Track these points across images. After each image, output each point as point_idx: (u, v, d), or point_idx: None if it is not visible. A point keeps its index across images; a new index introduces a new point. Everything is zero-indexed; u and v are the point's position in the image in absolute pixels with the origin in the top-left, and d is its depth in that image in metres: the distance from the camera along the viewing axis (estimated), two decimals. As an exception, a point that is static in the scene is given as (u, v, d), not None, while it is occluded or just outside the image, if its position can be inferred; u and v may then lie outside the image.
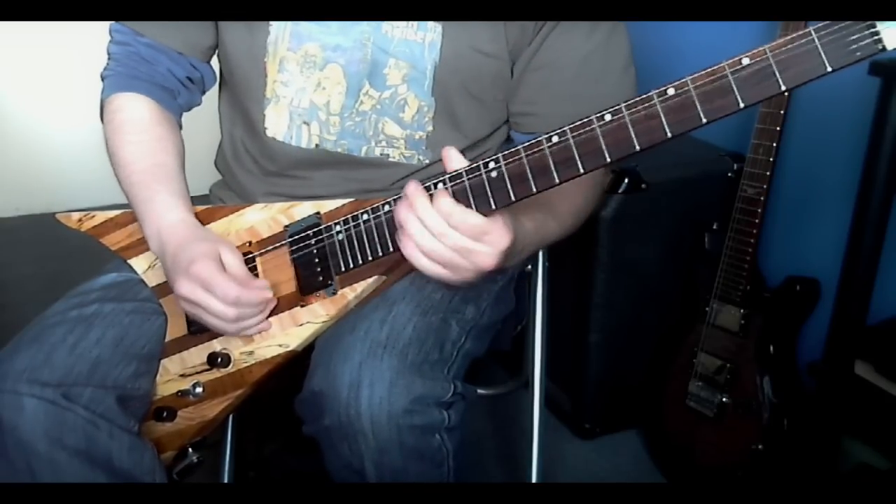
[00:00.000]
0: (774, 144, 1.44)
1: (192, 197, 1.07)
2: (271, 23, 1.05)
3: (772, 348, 1.55)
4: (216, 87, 1.19)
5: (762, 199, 1.47)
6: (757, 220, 1.48)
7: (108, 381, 0.96)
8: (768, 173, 1.46)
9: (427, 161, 1.09)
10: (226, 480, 1.26)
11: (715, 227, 1.62)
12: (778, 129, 1.43)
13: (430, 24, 1.02)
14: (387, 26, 1.03)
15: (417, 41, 1.03)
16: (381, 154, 1.08)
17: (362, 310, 0.97)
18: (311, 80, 1.06)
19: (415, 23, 1.02)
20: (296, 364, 1.00)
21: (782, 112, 1.42)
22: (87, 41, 1.12)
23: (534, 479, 1.33)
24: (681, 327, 1.66)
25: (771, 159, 1.45)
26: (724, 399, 1.57)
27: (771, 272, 1.62)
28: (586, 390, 1.81)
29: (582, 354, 1.77)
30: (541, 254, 1.33)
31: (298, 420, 1.00)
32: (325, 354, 0.95)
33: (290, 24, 1.04)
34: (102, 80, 1.12)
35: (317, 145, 1.08)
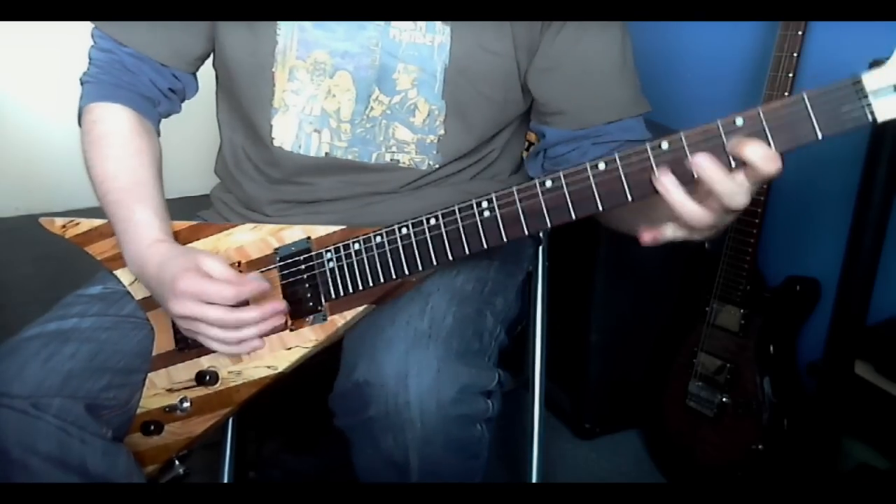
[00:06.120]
0: (774, 144, 1.44)
1: (192, 197, 1.06)
2: (278, 32, 1.04)
3: (772, 348, 1.55)
4: (213, 90, 1.19)
5: (762, 199, 1.47)
6: (757, 220, 1.48)
7: (78, 393, 0.97)
8: (768, 173, 1.46)
9: (436, 165, 1.09)
10: (226, 480, 1.26)
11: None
12: (778, 129, 1.43)
13: (439, 26, 1.02)
14: (394, 31, 1.02)
15: (426, 44, 1.03)
16: (391, 160, 1.08)
17: (397, 301, 0.97)
18: (321, 88, 1.05)
19: (423, 26, 1.02)
20: (298, 364, 1.00)
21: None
22: (88, 41, 1.11)
23: (534, 479, 1.33)
24: (681, 327, 1.65)
25: (771, 159, 1.45)
26: (724, 399, 1.57)
27: (771, 272, 1.62)
28: (586, 390, 1.81)
29: (582, 354, 1.77)
30: (541, 254, 1.33)
31: (298, 420, 1.00)
32: (366, 346, 0.94)
33: (297, 32, 1.04)
34: (81, 84, 1.10)
35: (326, 153, 1.08)
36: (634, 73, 1.06)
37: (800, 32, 1.37)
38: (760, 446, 1.53)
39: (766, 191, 1.46)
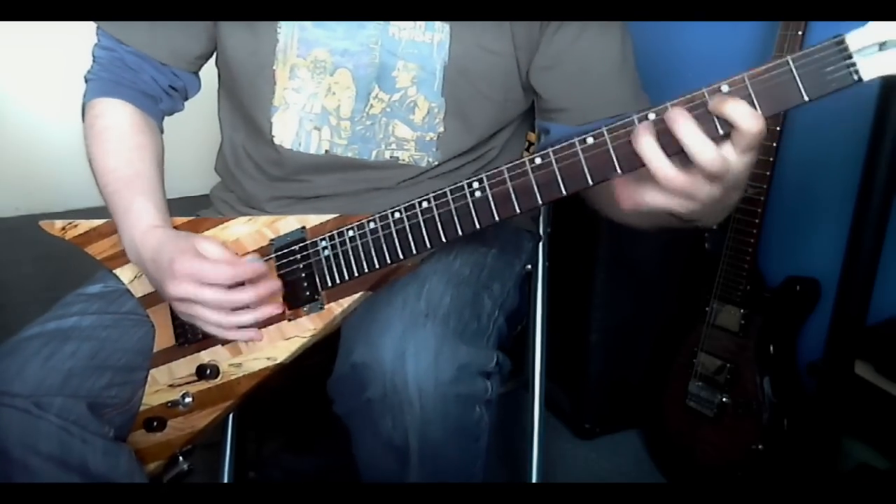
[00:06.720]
0: (774, 144, 1.44)
1: (192, 197, 1.07)
2: (279, 31, 1.04)
3: (772, 348, 1.55)
4: (216, 89, 1.19)
5: (762, 199, 1.47)
6: (757, 220, 1.48)
7: (80, 392, 0.97)
8: (768, 173, 1.46)
9: (436, 162, 1.09)
10: (226, 480, 1.26)
11: (715, 227, 1.62)
12: (777, 128, 1.43)
13: (438, 24, 1.02)
14: (394, 29, 1.03)
15: (426, 42, 1.03)
16: (391, 157, 1.08)
17: (394, 286, 0.97)
18: (322, 86, 1.06)
19: (422, 24, 1.02)
20: (298, 361, 1.00)
21: (782, 111, 1.42)
22: (88, 41, 1.12)
23: (534, 479, 1.33)
24: (681, 327, 1.66)
25: (770, 159, 1.45)
26: (724, 399, 1.57)
27: (771, 272, 1.62)
28: (586, 390, 1.81)
29: (582, 354, 1.77)
30: (540, 253, 1.33)
31: (298, 420, 1.00)
32: (363, 329, 0.93)
33: (297, 31, 1.04)
34: (86, 81, 1.12)
35: (326, 151, 1.08)
36: (635, 71, 1.07)
37: (800, 32, 1.37)
38: (760, 446, 1.53)
39: (766, 191, 1.46)
